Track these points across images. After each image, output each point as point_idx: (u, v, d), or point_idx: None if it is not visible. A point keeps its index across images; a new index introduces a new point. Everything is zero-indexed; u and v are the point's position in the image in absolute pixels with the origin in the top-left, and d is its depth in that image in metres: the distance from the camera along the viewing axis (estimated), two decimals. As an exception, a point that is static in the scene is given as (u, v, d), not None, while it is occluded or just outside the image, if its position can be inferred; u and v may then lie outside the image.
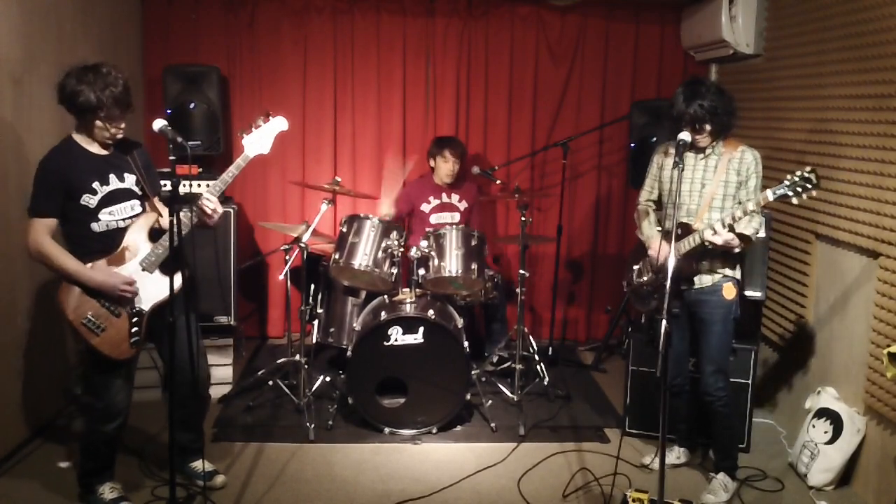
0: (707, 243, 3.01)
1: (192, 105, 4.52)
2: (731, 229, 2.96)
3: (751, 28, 4.42)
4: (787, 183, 2.82)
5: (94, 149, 2.84)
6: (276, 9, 5.01)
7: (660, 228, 3.33)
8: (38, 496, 3.15)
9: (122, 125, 2.83)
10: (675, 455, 3.56)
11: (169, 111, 4.51)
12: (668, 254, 2.71)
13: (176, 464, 2.83)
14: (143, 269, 2.86)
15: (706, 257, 3.15)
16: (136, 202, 2.93)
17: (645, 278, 3.36)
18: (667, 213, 3.29)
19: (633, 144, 4.86)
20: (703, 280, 3.18)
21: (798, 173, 2.81)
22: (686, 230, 3.11)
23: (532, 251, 5.34)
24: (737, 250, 3.08)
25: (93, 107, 2.70)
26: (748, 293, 3.79)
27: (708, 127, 3.08)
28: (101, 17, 4.27)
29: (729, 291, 3.17)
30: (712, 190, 3.13)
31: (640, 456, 3.62)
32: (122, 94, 2.74)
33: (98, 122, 2.77)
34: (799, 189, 2.80)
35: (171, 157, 2.66)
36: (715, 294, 3.17)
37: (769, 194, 2.85)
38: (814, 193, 2.82)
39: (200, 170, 4.44)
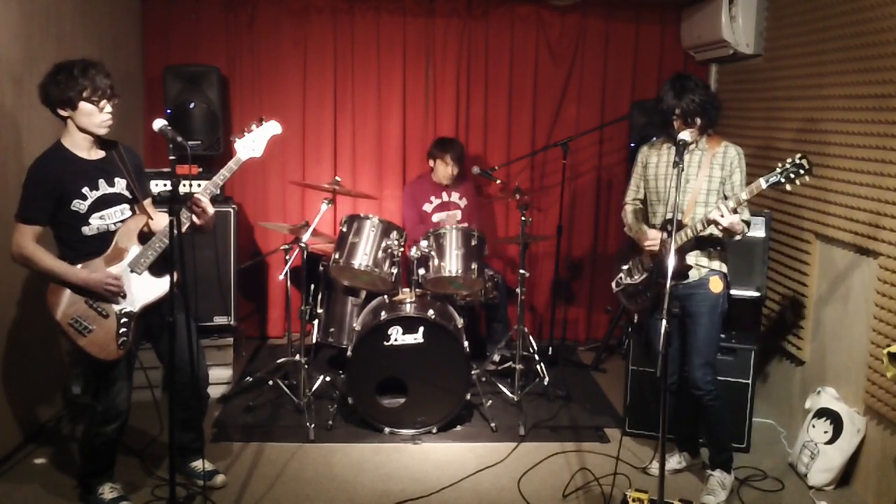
0: (717, 226, 2.97)
1: (192, 105, 4.53)
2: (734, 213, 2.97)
3: (751, 28, 4.42)
4: (778, 170, 2.87)
5: (84, 154, 2.84)
6: (276, 9, 5.01)
7: (651, 225, 3.32)
8: (37, 497, 3.15)
9: (110, 109, 2.81)
10: (677, 460, 3.54)
11: (169, 111, 4.51)
12: (667, 241, 2.72)
13: (176, 464, 2.84)
14: (132, 271, 2.87)
15: (693, 251, 3.16)
16: (127, 206, 2.93)
17: (636, 277, 3.34)
18: (652, 211, 3.31)
19: (633, 144, 4.86)
20: (690, 273, 3.18)
21: (789, 160, 2.85)
22: (677, 226, 3.08)
23: (532, 251, 5.35)
24: (738, 237, 3.07)
25: (76, 91, 2.70)
26: (748, 293, 3.79)
27: (699, 121, 3.10)
28: (101, 17, 4.27)
29: (716, 285, 3.16)
30: (697, 185, 3.15)
31: (641, 456, 3.62)
32: (98, 74, 2.75)
33: (84, 109, 2.74)
34: (791, 175, 2.84)
35: (171, 157, 2.66)
36: (702, 288, 3.17)
37: (762, 182, 2.88)
38: (807, 179, 2.85)
39: (200, 170, 4.43)
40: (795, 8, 4.06)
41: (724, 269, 3.22)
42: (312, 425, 3.75)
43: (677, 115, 3.08)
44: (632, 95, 5.21)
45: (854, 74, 3.47)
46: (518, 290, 4.17)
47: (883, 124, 3.24)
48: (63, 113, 2.77)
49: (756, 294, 3.81)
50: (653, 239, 3.20)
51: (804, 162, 2.82)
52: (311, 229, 3.93)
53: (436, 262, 4.01)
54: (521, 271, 4.14)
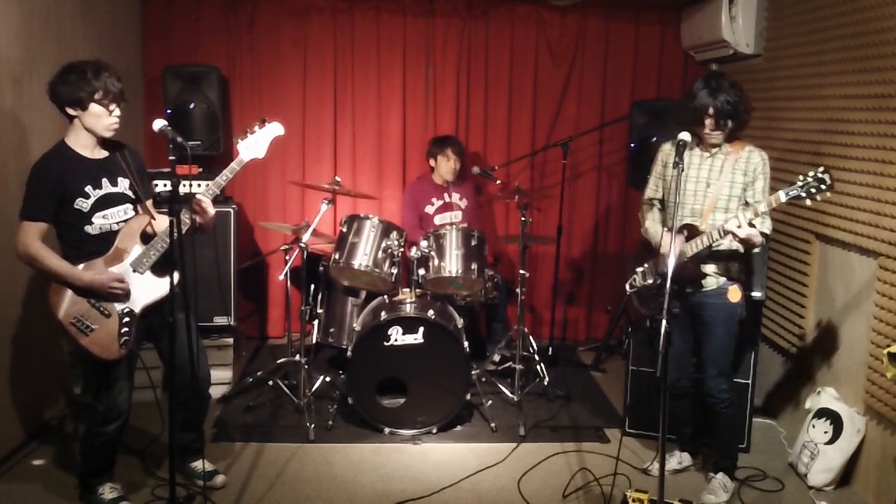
0: (731, 237, 2.89)
1: (191, 105, 4.53)
2: (751, 226, 2.88)
3: (751, 28, 4.42)
4: (799, 184, 2.75)
5: (88, 153, 2.85)
6: (276, 9, 5.01)
7: (665, 228, 3.27)
8: (38, 496, 3.16)
9: (118, 112, 2.83)
10: (678, 460, 3.54)
11: (169, 111, 4.52)
12: (677, 245, 2.66)
13: (176, 464, 2.84)
14: (134, 271, 2.87)
15: (711, 260, 3.09)
16: (130, 206, 2.94)
17: (651, 280, 3.27)
18: (670, 213, 3.23)
19: (633, 144, 4.86)
20: (708, 282, 3.11)
21: (811, 174, 2.73)
22: (692, 232, 3.04)
23: (532, 251, 5.34)
24: (757, 249, 3.00)
25: (87, 92, 2.72)
26: (748, 293, 3.78)
27: (731, 123, 3.01)
28: (101, 17, 4.28)
29: (734, 294, 3.10)
30: (717, 190, 3.07)
31: (641, 456, 3.62)
32: (110, 77, 2.77)
33: (94, 111, 2.76)
34: (812, 190, 2.72)
35: (171, 157, 2.66)
36: (720, 297, 3.11)
37: (781, 196, 2.77)
38: (828, 195, 2.74)
39: (200, 170, 4.44)
40: (795, 8, 4.06)
41: (744, 277, 3.16)
42: (312, 425, 3.75)
43: (710, 115, 2.98)
44: (632, 95, 5.21)
45: (854, 74, 3.47)
46: (518, 290, 4.17)
47: (883, 124, 3.24)
48: (72, 112, 2.78)
49: (756, 294, 3.81)
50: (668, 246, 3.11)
51: (826, 177, 2.70)
52: (311, 229, 3.93)
53: (436, 262, 4.01)
54: (521, 271, 4.14)
